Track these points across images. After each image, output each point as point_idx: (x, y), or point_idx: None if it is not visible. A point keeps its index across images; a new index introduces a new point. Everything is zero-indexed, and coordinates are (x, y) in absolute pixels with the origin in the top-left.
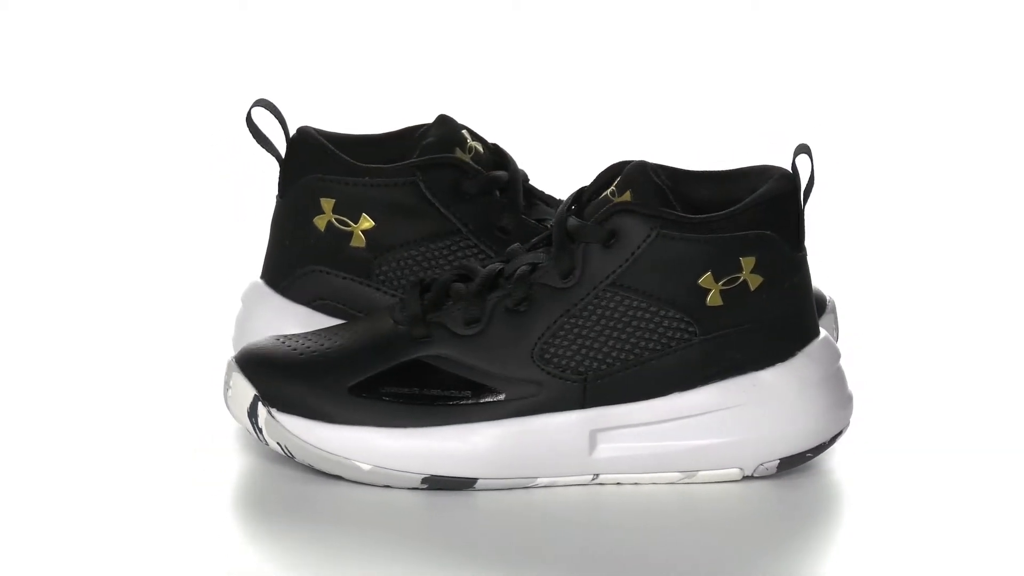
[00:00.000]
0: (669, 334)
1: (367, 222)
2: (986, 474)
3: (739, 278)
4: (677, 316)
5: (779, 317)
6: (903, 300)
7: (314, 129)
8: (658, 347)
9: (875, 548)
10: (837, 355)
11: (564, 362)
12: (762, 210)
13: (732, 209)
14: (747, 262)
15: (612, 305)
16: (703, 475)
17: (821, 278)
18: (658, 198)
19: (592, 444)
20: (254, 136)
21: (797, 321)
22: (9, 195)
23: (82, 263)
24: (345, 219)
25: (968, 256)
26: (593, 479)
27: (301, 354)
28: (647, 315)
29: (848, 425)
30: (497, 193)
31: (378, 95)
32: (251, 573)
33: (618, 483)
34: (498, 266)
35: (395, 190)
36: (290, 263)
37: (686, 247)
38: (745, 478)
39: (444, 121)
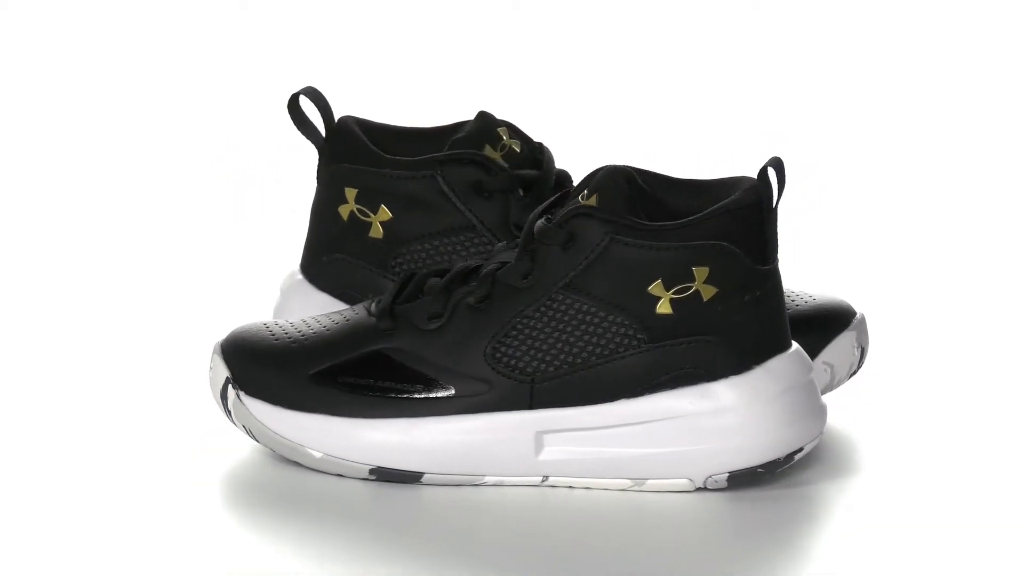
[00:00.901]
0: (617, 340)
1: (385, 214)
2: (982, 484)
3: (691, 288)
4: (626, 322)
5: (736, 329)
6: (920, 309)
7: (358, 120)
8: (606, 352)
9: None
10: (803, 371)
11: (513, 362)
12: (723, 221)
13: (690, 218)
14: (700, 272)
15: (564, 307)
16: (652, 484)
17: (847, 290)
18: (624, 203)
19: (538, 446)
20: (296, 121)
21: (758, 334)
22: (20, 191)
23: (97, 261)
24: (365, 209)
25: (980, 261)
26: (543, 481)
27: (277, 340)
28: (596, 319)
29: (812, 442)
30: (521, 192)
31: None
32: (251, 572)
33: (570, 487)
34: (473, 264)
35: (413, 183)
36: (318, 251)
37: (638, 253)
38: (698, 490)
39: (481, 117)
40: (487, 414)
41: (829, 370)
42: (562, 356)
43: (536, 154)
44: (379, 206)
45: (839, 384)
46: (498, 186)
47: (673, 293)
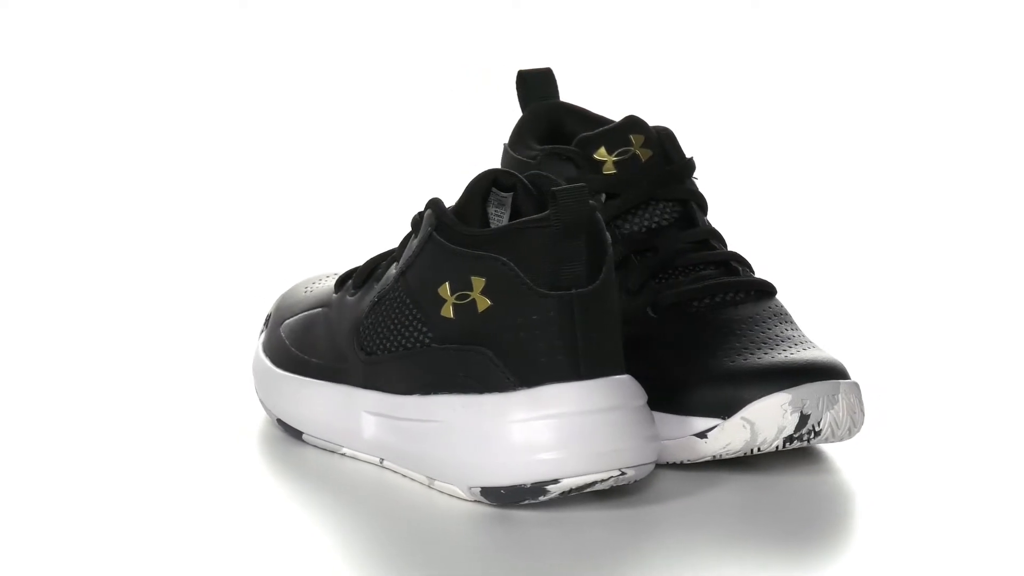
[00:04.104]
0: (415, 335)
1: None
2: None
3: (469, 296)
4: (421, 318)
5: (508, 347)
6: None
7: (563, 104)
8: (407, 345)
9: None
10: (578, 404)
11: (361, 340)
12: (514, 237)
13: (492, 229)
14: (477, 282)
15: (394, 295)
16: (438, 484)
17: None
18: (479, 204)
19: (364, 425)
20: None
21: (534, 357)
22: (29, 191)
23: (125, 258)
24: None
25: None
26: (381, 463)
27: (291, 297)
28: (406, 311)
29: (577, 478)
30: (603, 196)
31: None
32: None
33: (403, 475)
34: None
35: (530, 167)
36: None
37: (440, 254)
38: (476, 500)
39: (628, 119)
40: (337, 384)
41: (748, 427)
42: (379, 340)
43: (663, 167)
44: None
45: (771, 446)
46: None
47: (455, 299)
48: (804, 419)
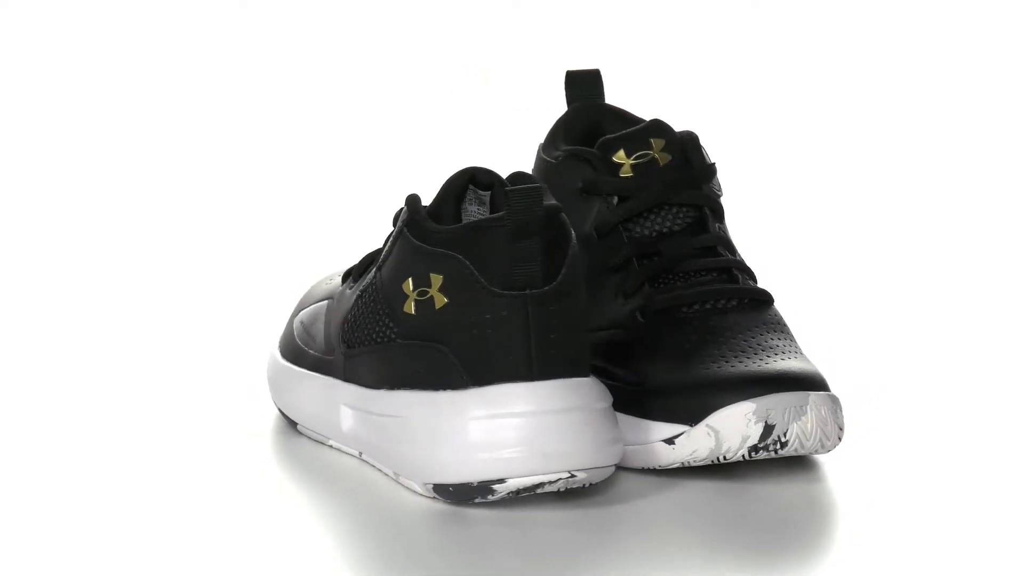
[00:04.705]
0: (384, 331)
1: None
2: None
3: (428, 292)
4: (388, 313)
5: (463, 345)
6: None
7: (597, 106)
8: (378, 339)
9: None
10: (531, 405)
11: (344, 333)
12: (474, 235)
13: (455, 226)
14: (435, 279)
15: (371, 290)
16: (402, 480)
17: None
18: (453, 202)
19: (340, 416)
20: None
21: (488, 356)
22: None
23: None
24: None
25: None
26: (360, 456)
27: (314, 289)
28: (378, 306)
29: (527, 478)
30: (615, 200)
31: None
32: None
33: (379, 469)
34: None
35: (552, 164)
36: None
37: (407, 249)
38: (433, 497)
39: (652, 122)
40: (324, 376)
41: (714, 435)
42: (360, 335)
43: (680, 173)
44: None
45: (737, 455)
46: (594, 188)
47: (416, 295)
48: (769, 429)
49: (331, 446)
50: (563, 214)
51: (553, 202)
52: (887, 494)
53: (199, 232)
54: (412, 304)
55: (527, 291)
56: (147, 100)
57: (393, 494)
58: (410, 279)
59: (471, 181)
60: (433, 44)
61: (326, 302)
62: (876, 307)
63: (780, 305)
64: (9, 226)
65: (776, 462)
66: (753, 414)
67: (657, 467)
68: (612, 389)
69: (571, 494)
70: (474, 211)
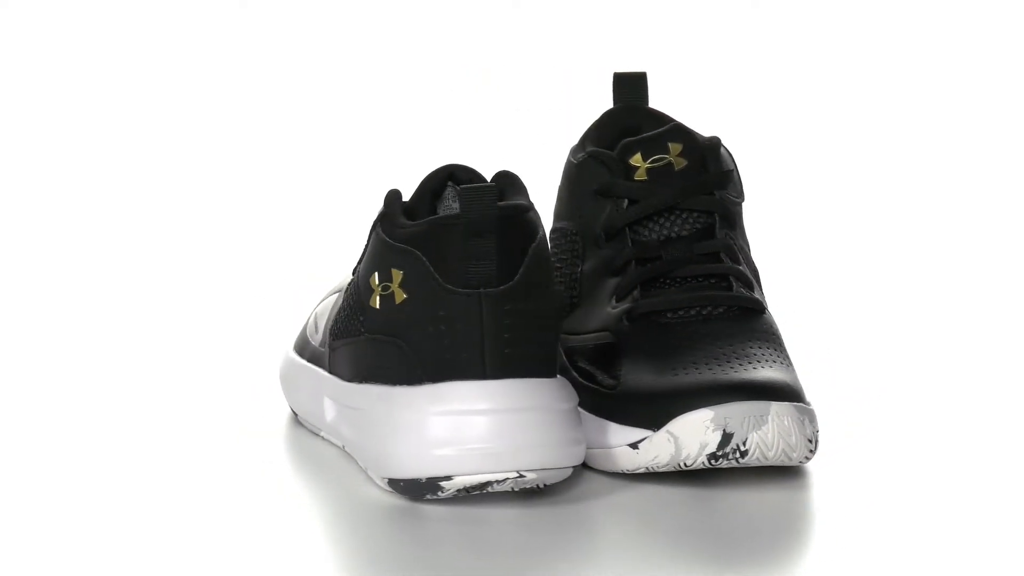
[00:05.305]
0: (356, 324)
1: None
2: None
3: (390, 287)
4: (358, 307)
5: (419, 341)
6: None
7: (636, 107)
8: (351, 332)
9: None
10: (481, 403)
11: (332, 327)
12: (435, 231)
13: (419, 222)
14: (396, 274)
15: (352, 284)
16: (371, 474)
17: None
18: (429, 201)
19: (324, 408)
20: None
21: (443, 353)
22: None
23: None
24: None
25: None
26: (343, 448)
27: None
28: (354, 300)
29: (472, 476)
30: (626, 203)
31: None
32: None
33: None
34: None
35: (573, 164)
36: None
37: (377, 245)
38: (391, 491)
39: (673, 126)
40: (316, 368)
41: (673, 441)
42: (340, 327)
43: (694, 178)
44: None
45: (697, 462)
46: (607, 191)
47: (380, 289)
48: (728, 437)
49: (323, 437)
50: (531, 213)
51: (519, 201)
52: (862, 505)
53: (203, 232)
54: (377, 299)
55: (481, 290)
56: (148, 100)
57: (359, 488)
58: (376, 274)
59: (450, 178)
60: (433, 44)
61: (337, 294)
62: (893, 318)
63: (795, 313)
64: (17, 225)
65: (748, 472)
66: (711, 421)
67: (623, 471)
68: (591, 392)
69: (531, 494)
70: (456, 208)
